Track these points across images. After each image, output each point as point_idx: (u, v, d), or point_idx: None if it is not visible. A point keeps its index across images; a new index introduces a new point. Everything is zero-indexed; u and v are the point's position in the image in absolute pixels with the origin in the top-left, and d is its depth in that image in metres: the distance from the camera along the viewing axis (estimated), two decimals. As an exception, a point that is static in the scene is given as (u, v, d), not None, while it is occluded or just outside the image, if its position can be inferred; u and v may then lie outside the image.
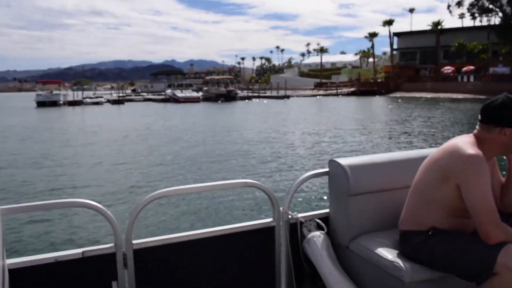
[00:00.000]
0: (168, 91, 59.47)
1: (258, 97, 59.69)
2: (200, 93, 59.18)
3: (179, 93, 56.16)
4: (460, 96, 50.00)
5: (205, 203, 7.98)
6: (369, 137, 15.29)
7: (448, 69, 60.33)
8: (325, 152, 12.40)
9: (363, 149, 12.70)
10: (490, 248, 1.85)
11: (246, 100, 53.87)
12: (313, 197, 7.79)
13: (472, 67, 57.97)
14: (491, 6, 60.51)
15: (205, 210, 7.67)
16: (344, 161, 2.35)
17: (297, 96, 59.09)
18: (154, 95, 65.20)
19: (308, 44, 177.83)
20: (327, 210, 2.51)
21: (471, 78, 56.70)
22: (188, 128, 21.97)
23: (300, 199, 7.68)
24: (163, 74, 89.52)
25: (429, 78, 62.98)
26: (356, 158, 2.44)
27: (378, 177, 2.38)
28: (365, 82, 67.52)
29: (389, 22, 72.85)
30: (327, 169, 2.43)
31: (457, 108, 32.31)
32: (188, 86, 70.12)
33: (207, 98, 55.81)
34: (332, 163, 2.39)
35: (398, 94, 57.23)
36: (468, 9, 63.24)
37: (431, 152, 2.20)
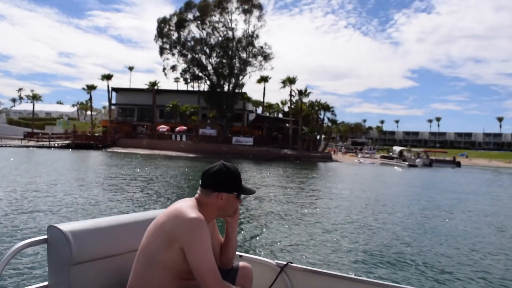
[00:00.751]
0: None
1: None
2: None
3: None
4: (174, 153, 52.68)
5: None
6: (91, 197, 13.56)
7: (163, 127, 63.38)
8: (43, 216, 10.32)
9: (86, 212, 11.10)
10: None
11: None
12: (30, 269, 6.20)
13: (184, 128, 62.45)
14: (201, 74, 67.53)
15: None
16: (65, 226, 2.14)
17: (2, 146, 52.05)
18: None
19: (20, 90, 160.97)
20: (46, 283, 2.23)
21: (184, 137, 60.98)
22: None
23: (14, 273, 5.99)
24: None
25: (146, 135, 64.88)
26: (80, 223, 2.25)
27: (104, 242, 2.25)
28: (81, 135, 64.77)
29: (107, 77, 72.66)
30: (45, 237, 2.16)
31: (171, 165, 33.55)
32: None
33: None
34: (52, 230, 2.14)
35: (115, 149, 56.64)
36: (181, 74, 68.97)
37: (156, 214, 2.28)
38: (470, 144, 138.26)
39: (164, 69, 68.23)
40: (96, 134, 69.90)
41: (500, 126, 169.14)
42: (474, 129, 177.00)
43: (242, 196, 2.29)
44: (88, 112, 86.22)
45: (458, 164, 65.89)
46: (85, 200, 12.89)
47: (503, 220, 13.53)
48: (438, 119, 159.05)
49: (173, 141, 59.95)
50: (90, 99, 78.37)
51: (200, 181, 2.22)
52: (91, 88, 76.19)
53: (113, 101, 75.36)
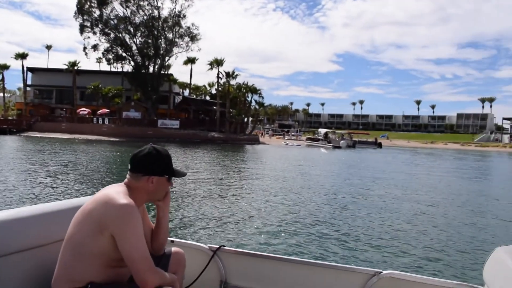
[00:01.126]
0: None
1: None
2: None
3: None
4: (95, 137, 50.49)
5: None
6: (8, 186, 12.34)
7: (84, 110, 60.56)
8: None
9: (5, 202, 10.20)
10: None
11: None
12: None
13: (107, 110, 60.09)
14: (124, 54, 64.95)
15: None
16: None
17: None
18: None
19: None
20: None
21: (106, 121, 58.65)
22: None
23: None
24: None
25: (65, 118, 61.63)
26: None
27: (26, 233, 2.14)
28: (-8, 119, 60.33)
29: (22, 56, 67.77)
30: None
31: (93, 150, 32.07)
32: None
33: None
34: None
35: (31, 134, 53.32)
36: (103, 54, 65.76)
37: (83, 202, 2.19)
38: (391, 126, 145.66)
39: (84, 48, 64.69)
40: (10, 118, 65.38)
41: (418, 109, 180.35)
42: (395, 112, 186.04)
43: (173, 179, 2.23)
44: (0, 94, 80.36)
45: (380, 145, 69.09)
46: (2, 190, 11.88)
47: (417, 195, 14.39)
48: (361, 102, 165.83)
49: (94, 125, 57.49)
50: (3, 79, 72.93)
51: (129, 165, 2.13)
52: (3, 67, 70.75)
53: (29, 82, 70.72)
